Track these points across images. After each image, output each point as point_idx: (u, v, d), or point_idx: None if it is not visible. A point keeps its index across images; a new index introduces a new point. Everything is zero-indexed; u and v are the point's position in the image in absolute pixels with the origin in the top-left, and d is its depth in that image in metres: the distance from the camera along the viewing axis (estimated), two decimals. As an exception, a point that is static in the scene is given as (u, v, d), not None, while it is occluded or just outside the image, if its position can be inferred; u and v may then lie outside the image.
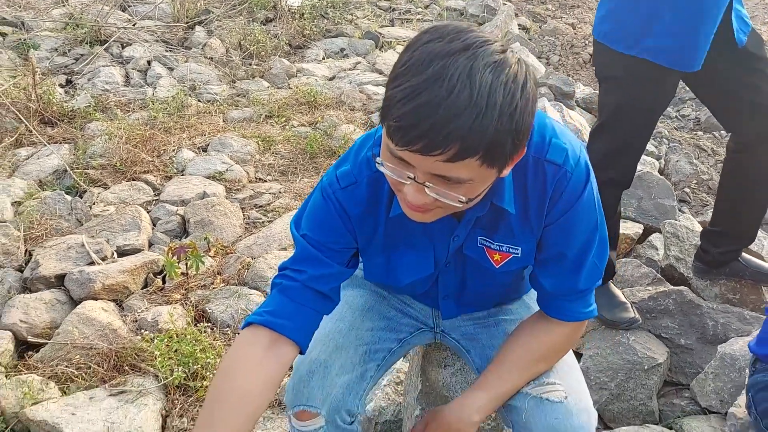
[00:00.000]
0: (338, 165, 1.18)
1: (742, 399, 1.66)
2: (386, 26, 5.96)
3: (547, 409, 1.19)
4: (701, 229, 2.23)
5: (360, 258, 1.25)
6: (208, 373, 2.10)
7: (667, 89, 1.84)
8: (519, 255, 1.17)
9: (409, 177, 0.95)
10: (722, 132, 4.35)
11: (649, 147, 3.98)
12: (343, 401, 1.24)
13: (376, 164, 0.99)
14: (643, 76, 1.76)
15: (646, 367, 1.92)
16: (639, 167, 2.96)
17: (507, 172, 1.01)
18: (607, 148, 1.91)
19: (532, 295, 1.42)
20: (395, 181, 0.99)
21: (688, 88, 4.37)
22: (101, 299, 2.49)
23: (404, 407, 1.80)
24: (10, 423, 1.96)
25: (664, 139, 4.41)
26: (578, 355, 2.07)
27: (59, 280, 2.59)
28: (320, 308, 1.18)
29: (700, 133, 4.59)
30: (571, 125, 3.79)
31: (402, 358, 2.09)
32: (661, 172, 3.74)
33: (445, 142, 0.87)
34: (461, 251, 1.20)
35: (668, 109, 4.97)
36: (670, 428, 1.81)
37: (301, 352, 1.17)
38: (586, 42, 5.95)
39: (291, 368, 1.26)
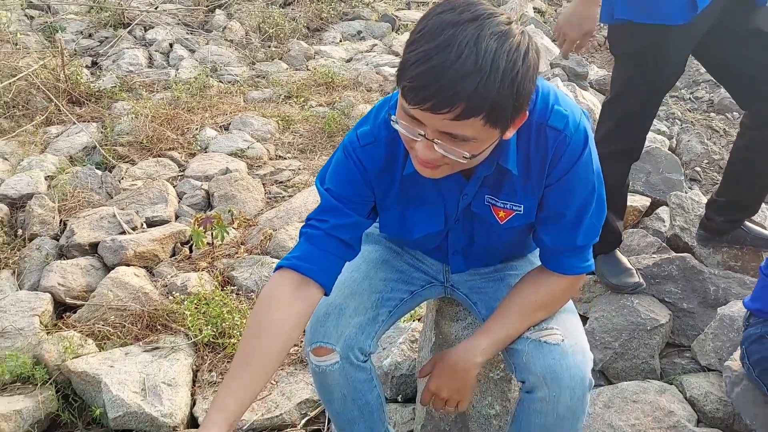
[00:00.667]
0: (359, 126, 1.29)
1: (737, 354, 1.76)
2: (402, 9, 6.04)
3: (545, 351, 1.30)
4: (706, 200, 2.32)
5: (377, 212, 1.37)
6: (235, 332, 2.24)
7: (675, 62, 1.91)
8: (521, 212, 1.28)
9: (420, 134, 1.06)
10: (735, 113, 4.40)
11: (661, 127, 4.04)
12: (355, 340, 1.35)
13: (392, 122, 1.10)
14: (650, 50, 1.84)
15: (648, 328, 2.02)
16: (648, 144, 3.04)
17: (510, 134, 1.11)
18: (616, 121, 2.00)
19: (536, 253, 1.52)
20: (408, 139, 1.10)
21: (703, 71, 4.37)
22: (133, 265, 2.63)
23: (419, 362, 1.92)
24: (53, 374, 2.11)
25: (677, 120, 4.46)
26: (584, 319, 2.18)
27: (93, 248, 2.74)
28: (342, 254, 1.30)
29: (712, 114, 4.63)
30: (583, 104, 3.87)
31: (417, 320, 2.21)
32: (672, 151, 3.80)
33: (451, 102, 0.98)
34: (470, 209, 1.31)
35: (682, 90, 5.02)
36: (671, 383, 1.92)
37: (326, 294, 1.29)
38: (601, 26, 5.98)
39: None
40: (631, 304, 2.09)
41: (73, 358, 2.13)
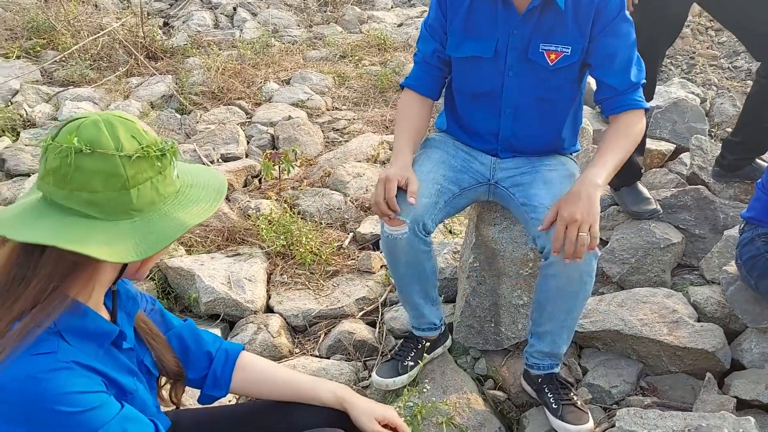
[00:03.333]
0: None
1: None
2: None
3: None
4: (722, 141, 2.59)
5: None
6: (302, 244, 2.62)
7: (675, 12, 2.20)
8: (569, 53, 1.66)
9: None
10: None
11: (695, 89, 4.24)
12: (421, 216, 1.68)
13: None
14: (654, 1, 2.14)
15: (662, 246, 2.31)
16: (677, 96, 3.29)
17: None
18: None
19: (566, 160, 1.85)
20: None
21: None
22: (212, 191, 3.03)
23: (460, 266, 2.26)
24: (152, 270, 2.52)
25: (713, 86, 4.63)
26: (605, 242, 2.48)
27: (177, 176, 3.15)
28: (437, 74, 1.84)
29: (749, 81, 4.78)
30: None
31: (458, 237, 2.54)
32: (705, 113, 4.00)
33: None
34: (527, 57, 1.69)
35: (721, 60, 5.17)
36: (678, 292, 2.21)
37: (435, 99, 1.88)
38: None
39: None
40: (648, 227, 2.38)
41: (168, 258, 2.55)
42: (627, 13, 1.67)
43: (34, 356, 0.96)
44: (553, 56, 1.67)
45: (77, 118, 1.02)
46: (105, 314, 1.15)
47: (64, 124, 1.02)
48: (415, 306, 1.87)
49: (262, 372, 1.37)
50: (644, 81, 1.71)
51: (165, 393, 1.34)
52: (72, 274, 1.02)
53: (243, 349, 1.39)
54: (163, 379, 1.32)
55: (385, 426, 1.33)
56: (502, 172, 1.84)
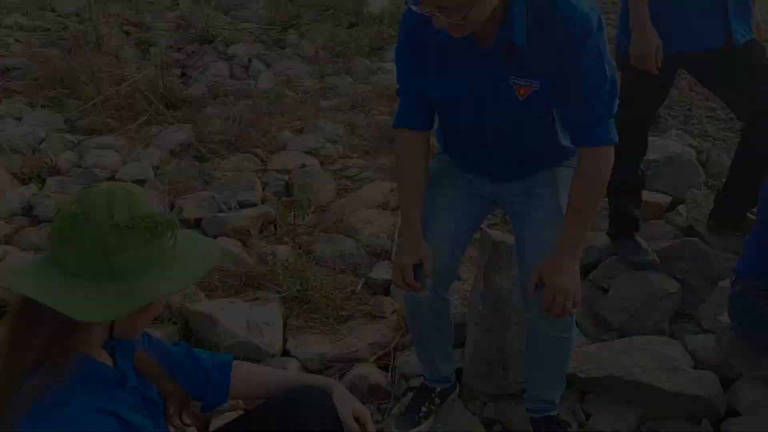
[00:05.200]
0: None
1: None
2: (456, 31, 6.55)
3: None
4: (715, 196, 2.74)
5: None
6: (318, 287, 2.74)
7: (663, 80, 2.38)
8: (537, 89, 1.58)
9: (426, 12, 1.48)
10: None
11: (693, 142, 4.41)
12: (441, 279, 1.80)
13: (411, 7, 1.57)
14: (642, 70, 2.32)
15: (660, 296, 2.44)
16: (674, 152, 3.45)
17: None
18: (621, 125, 2.43)
19: (558, 175, 1.83)
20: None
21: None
22: (230, 237, 3.18)
23: (468, 312, 2.38)
24: (174, 315, 2.65)
25: (710, 137, 4.81)
26: (605, 290, 2.61)
27: (197, 222, 3.31)
28: (425, 107, 1.79)
29: (745, 133, 4.95)
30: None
31: (465, 281, 2.67)
32: (702, 164, 4.15)
33: None
34: (497, 89, 1.62)
35: (718, 111, 5.38)
36: (675, 339, 2.33)
37: (427, 129, 1.83)
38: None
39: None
40: (647, 277, 2.51)
41: (190, 303, 2.68)
42: (604, 46, 1.57)
43: (50, 410, 1.08)
44: (522, 91, 1.60)
45: (94, 187, 1.16)
46: (106, 358, 1.26)
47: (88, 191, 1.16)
48: (432, 361, 2.01)
49: (256, 375, 1.57)
50: (612, 116, 1.62)
51: (177, 420, 1.47)
52: (70, 332, 1.12)
53: (234, 359, 1.55)
54: (171, 408, 1.44)
55: (357, 420, 1.46)
56: (500, 195, 1.89)
